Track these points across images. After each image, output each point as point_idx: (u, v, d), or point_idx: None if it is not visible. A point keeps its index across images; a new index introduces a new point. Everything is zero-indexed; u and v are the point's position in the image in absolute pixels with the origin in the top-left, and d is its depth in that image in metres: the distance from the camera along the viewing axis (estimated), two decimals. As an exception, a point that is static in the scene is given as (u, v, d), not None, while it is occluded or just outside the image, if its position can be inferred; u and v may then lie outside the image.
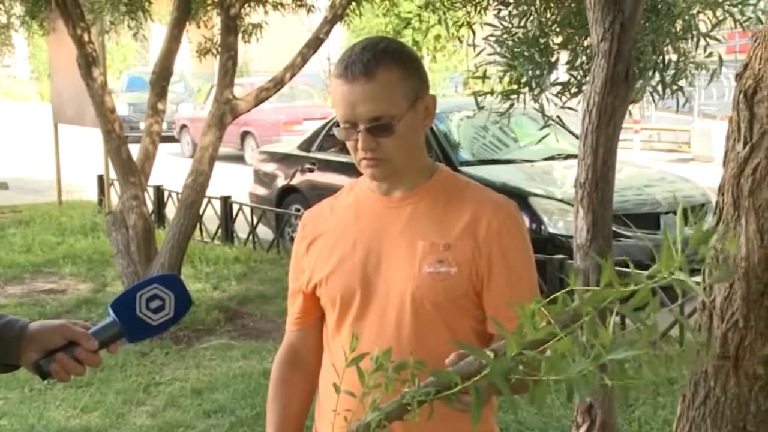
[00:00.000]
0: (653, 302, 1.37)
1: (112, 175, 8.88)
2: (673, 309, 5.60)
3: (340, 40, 23.30)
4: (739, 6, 3.71)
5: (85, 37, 6.75)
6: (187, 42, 7.61)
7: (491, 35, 4.02)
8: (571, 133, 8.05)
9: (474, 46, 4.24)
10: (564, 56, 4.02)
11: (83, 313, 6.92)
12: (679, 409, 1.98)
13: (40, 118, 21.15)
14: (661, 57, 3.71)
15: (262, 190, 9.98)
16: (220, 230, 9.75)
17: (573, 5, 3.89)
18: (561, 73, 4.18)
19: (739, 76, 1.86)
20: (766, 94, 1.78)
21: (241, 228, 9.67)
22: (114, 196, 10.28)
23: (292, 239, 2.27)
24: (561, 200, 7.06)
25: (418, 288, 1.88)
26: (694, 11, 3.68)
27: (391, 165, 1.90)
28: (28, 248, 9.35)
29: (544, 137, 6.50)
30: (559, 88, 3.94)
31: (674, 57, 3.77)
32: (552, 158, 8.20)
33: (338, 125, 1.91)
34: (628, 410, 4.76)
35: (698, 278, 1.83)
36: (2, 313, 1.76)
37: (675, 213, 7.62)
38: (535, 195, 7.18)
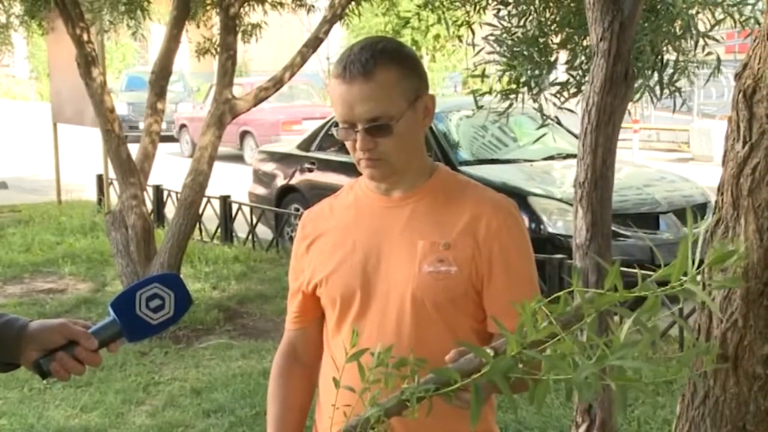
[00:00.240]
0: (655, 305, 1.37)
1: (112, 174, 8.87)
2: (674, 311, 5.61)
3: (340, 39, 23.31)
4: (738, 6, 3.71)
5: (85, 36, 6.75)
6: (186, 42, 7.60)
7: (491, 35, 4.02)
8: (571, 132, 8.06)
9: (473, 45, 4.24)
10: (563, 56, 4.02)
11: (83, 313, 6.92)
12: (679, 409, 1.98)
13: (40, 117, 21.17)
14: (659, 57, 3.71)
15: (261, 190, 9.97)
16: (219, 230, 9.75)
17: (572, 5, 3.88)
18: (560, 73, 4.18)
19: (738, 76, 1.86)
20: (766, 93, 1.79)
21: (241, 228, 9.67)
22: (113, 196, 10.28)
23: (291, 239, 2.28)
24: (560, 200, 7.06)
25: (418, 287, 1.89)
26: (693, 11, 3.68)
27: (390, 165, 1.90)
28: (28, 248, 9.35)
29: (542, 137, 6.50)
30: (557, 87, 3.94)
31: (673, 57, 3.77)
32: (551, 158, 8.20)
33: (337, 125, 1.91)
34: (628, 410, 4.76)
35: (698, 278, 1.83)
36: (2, 313, 1.76)
37: (674, 213, 7.69)
38: (535, 194, 7.18)
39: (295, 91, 18.76)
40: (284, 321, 2.18)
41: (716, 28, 3.74)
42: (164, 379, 5.61)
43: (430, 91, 1.96)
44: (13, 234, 10.05)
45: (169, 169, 12.54)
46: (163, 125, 7.57)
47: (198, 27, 7.94)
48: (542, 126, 4.32)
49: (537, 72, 3.90)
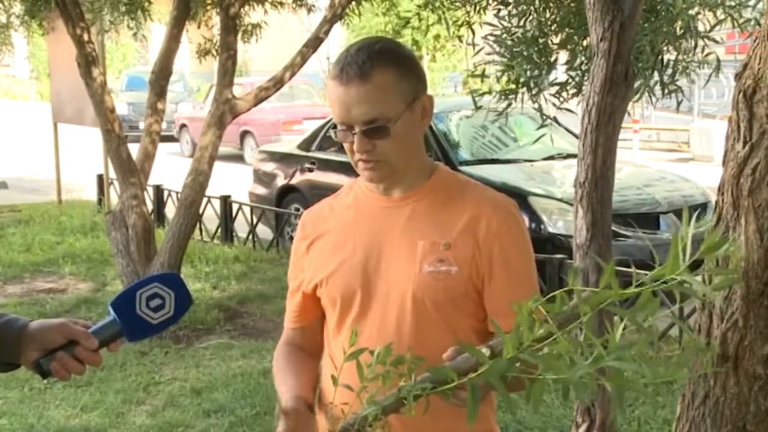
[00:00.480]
0: (653, 304, 1.37)
1: (112, 174, 8.87)
2: (673, 311, 5.61)
3: (340, 39, 23.31)
4: (738, 7, 3.71)
5: (85, 36, 6.75)
6: (186, 41, 7.60)
7: (490, 34, 4.02)
8: (571, 132, 8.06)
9: (473, 45, 4.24)
10: (563, 56, 4.02)
11: (83, 313, 6.92)
12: (679, 409, 1.98)
13: (40, 117, 21.17)
14: (659, 57, 3.71)
15: (261, 190, 9.97)
16: (219, 230, 9.76)
17: (572, 5, 3.89)
18: (560, 73, 4.18)
19: (738, 76, 1.86)
20: (766, 93, 1.79)
21: (241, 227, 9.67)
22: (114, 196, 10.28)
23: (291, 239, 2.28)
24: (560, 200, 7.06)
25: (418, 287, 1.89)
26: (693, 11, 3.68)
27: (388, 166, 1.89)
28: (28, 248, 9.35)
29: (541, 137, 6.49)
30: (557, 88, 3.94)
31: (673, 57, 3.77)
32: (551, 158, 8.20)
33: (335, 127, 1.91)
34: (628, 410, 4.76)
35: (698, 278, 1.83)
36: (2, 312, 1.76)
37: (675, 213, 7.68)
38: (535, 194, 7.18)
39: (296, 91, 18.75)
40: (284, 320, 2.17)
41: (716, 28, 3.74)
42: (164, 379, 5.61)
43: (431, 92, 1.95)
44: (13, 234, 10.05)
45: (170, 169, 12.54)
46: (164, 125, 7.57)
47: (198, 27, 7.94)
48: (542, 126, 4.32)
49: (536, 72, 3.90)
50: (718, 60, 3.87)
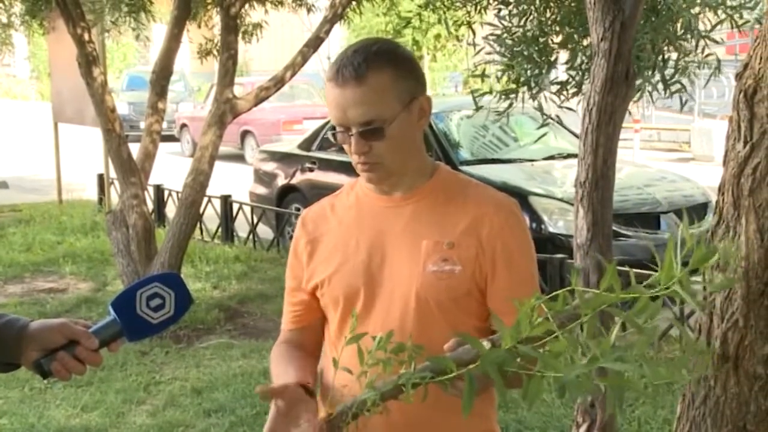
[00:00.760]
0: (653, 307, 1.37)
1: (112, 174, 8.88)
2: (674, 312, 5.61)
3: (341, 39, 23.32)
4: (739, 8, 3.71)
5: (86, 36, 6.75)
6: (187, 41, 7.61)
7: (491, 34, 4.02)
8: (571, 132, 8.06)
9: (474, 45, 4.24)
10: (563, 56, 4.02)
11: (83, 312, 6.92)
12: (679, 409, 1.98)
13: (40, 117, 21.18)
14: (660, 56, 3.71)
15: (262, 190, 9.97)
16: (220, 229, 9.76)
17: (573, 5, 3.89)
18: (560, 73, 4.18)
19: (739, 76, 1.86)
20: (766, 93, 1.78)
21: (241, 227, 9.67)
22: (114, 195, 10.28)
23: (292, 238, 2.28)
24: (561, 199, 7.06)
25: (422, 286, 1.89)
26: (694, 11, 3.68)
27: (386, 167, 1.89)
28: (29, 247, 9.35)
29: (542, 136, 6.49)
30: (557, 87, 3.94)
31: (674, 56, 3.77)
32: (552, 157, 8.20)
33: (334, 128, 1.91)
34: (628, 409, 4.76)
35: (699, 277, 1.83)
36: (2, 313, 1.76)
37: (675, 212, 7.68)
38: (535, 194, 7.18)
39: (296, 91, 18.75)
40: (282, 322, 2.16)
41: (717, 28, 3.74)
42: (165, 379, 5.61)
43: (431, 91, 1.96)
44: (13, 233, 10.05)
45: (170, 169, 12.54)
46: (164, 125, 7.57)
47: (199, 27, 7.95)
48: (542, 125, 4.32)
49: (536, 71, 3.90)
50: (718, 61, 3.87)
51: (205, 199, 8.13)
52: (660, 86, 3.73)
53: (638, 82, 3.55)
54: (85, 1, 6.99)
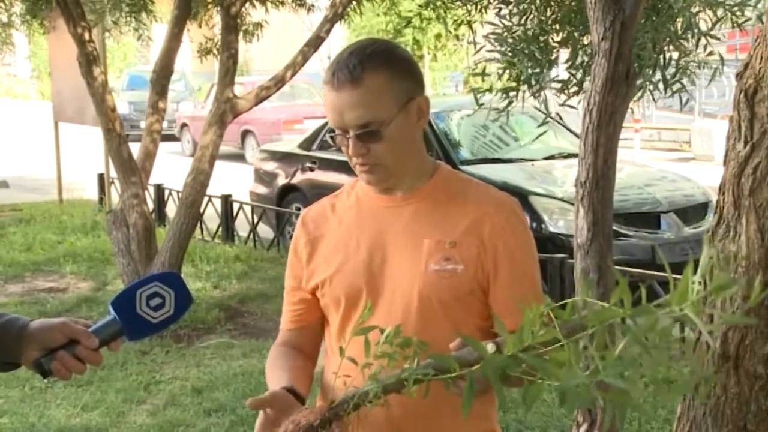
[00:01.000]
0: (664, 328, 1.36)
1: (113, 173, 8.89)
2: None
3: (341, 38, 23.31)
4: (739, 6, 3.70)
5: (86, 35, 6.75)
6: (188, 41, 7.61)
7: (491, 33, 4.02)
8: (572, 132, 8.06)
9: (474, 43, 4.24)
10: (564, 54, 4.02)
11: (84, 312, 6.92)
12: (680, 409, 1.98)
13: (41, 116, 21.18)
14: (661, 55, 3.71)
15: (262, 189, 9.98)
16: (220, 229, 9.76)
17: (573, 4, 3.89)
18: (561, 71, 4.17)
19: (739, 76, 1.85)
20: (767, 93, 1.78)
21: (242, 227, 9.67)
22: (114, 195, 10.29)
23: (292, 238, 2.27)
24: (561, 199, 7.06)
25: (425, 286, 1.88)
26: (695, 10, 3.68)
27: (385, 169, 1.89)
28: (29, 247, 9.36)
29: (542, 134, 6.49)
30: (558, 85, 3.94)
31: (675, 55, 3.77)
32: (552, 157, 8.20)
33: (332, 131, 1.91)
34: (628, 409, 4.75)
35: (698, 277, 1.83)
36: (2, 312, 1.76)
37: (675, 212, 7.67)
38: (536, 194, 7.18)
39: (297, 90, 18.75)
40: (281, 322, 2.15)
41: (717, 27, 3.74)
42: (165, 378, 5.61)
43: (432, 91, 1.95)
44: (14, 233, 10.05)
45: (171, 168, 12.55)
46: (165, 124, 7.57)
47: (200, 26, 7.95)
48: (543, 124, 4.32)
49: (537, 69, 3.89)
50: (722, 58, 3.86)
51: (206, 199, 8.14)
52: (661, 86, 3.72)
53: (639, 81, 3.55)
54: (86, 1, 6.99)
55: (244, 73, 25.45)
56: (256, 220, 9.44)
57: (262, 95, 7.18)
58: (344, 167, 8.89)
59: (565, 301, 1.45)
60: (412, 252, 1.90)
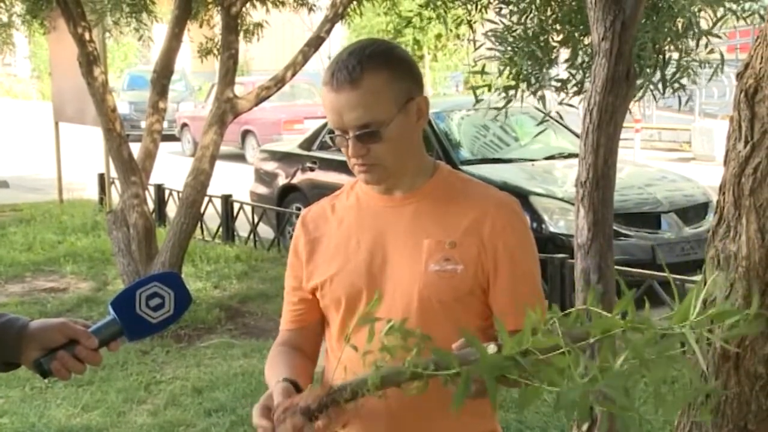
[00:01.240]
0: (665, 344, 1.36)
1: (113, 173, 8.89)
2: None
3: (341, 38, 23.31)
4: (740, 3, 3.70)
5: (86, 35, 6.76)
6: (188, 41, 7.61)
7: (491, 31, 4.02)
8: (572, 132, 8.06)
9: (474, 41, 4.24)
10: (564, 54, 4.02)
11: (84, 312, 6.92)
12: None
13: (41, 116, 21.18)
14: (662, 55, 3.71)
15: (263, 189, 9.98)
16: (221, 229, 9.76)
17: (573, 3, 3.88)
18: (561, 71, 4.17)
19: (740, 76, 1.85)
20: (767, 93, 1.78)
21: (242, 227, 9.67)
22: (115, 195, 10.29)
23: (292, 238, 2.26)
24: (562, 199, 7.06)
25: (425, 286, 1.88)
26: (695, 9, 3.68)
27: (384, 169, 1.89)
28: (29, 247, 9.36)
29: (541, 132, 6.48)
30: (558, 84, 3.94)
31: (675, 55, 3.77)
32: (553, 157, 8.20)
33: (332, 132, 1.91)
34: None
35: (698, 277, 1.83)
36: (2, 312, 1.76)
37: (676, 212, 7.67)
38: (536, 194, 7.18)
39: (297, 90, 18.75)
40: (281, 322, 2.15)
41: (718, 26, 3.74)
42: (166, 378, 5.61)
43: (432, 91, 1.95)
44: (14, 233, 10.05)
45: (171, 169, 12.55)
46: (165, 124, 7.57)
47: (200, 26, 7.95)
48: (542, 122, 4.32)
49: (537, 68, 3.89)
50: (722, 56, 3.86)
51: (206, 199, 8.13)
52: (661, 86, 3.72)
53: (639, 81, 3.55)
54: (86, 1, 6.98)
55: (244, 73, 25.45)
56: (256, 220, 9.44)
57: (262, 95, 7.18)
58: (344, 167, 8.84)
59: (571, 310, 1.45)
60: (412, 252, 1.90)
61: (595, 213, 3.10)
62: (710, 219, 7.21)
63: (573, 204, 3.33)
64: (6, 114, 28.03)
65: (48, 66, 15.95)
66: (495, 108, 4.07)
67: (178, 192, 8.84)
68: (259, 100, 7.21)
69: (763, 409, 1.82)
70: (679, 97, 3.87)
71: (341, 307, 1.96)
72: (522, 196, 6.84)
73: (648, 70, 3.65)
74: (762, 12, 3.72)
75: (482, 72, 4.00)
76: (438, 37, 23.49)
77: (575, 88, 3.86)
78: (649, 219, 7.16)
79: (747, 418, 1.84)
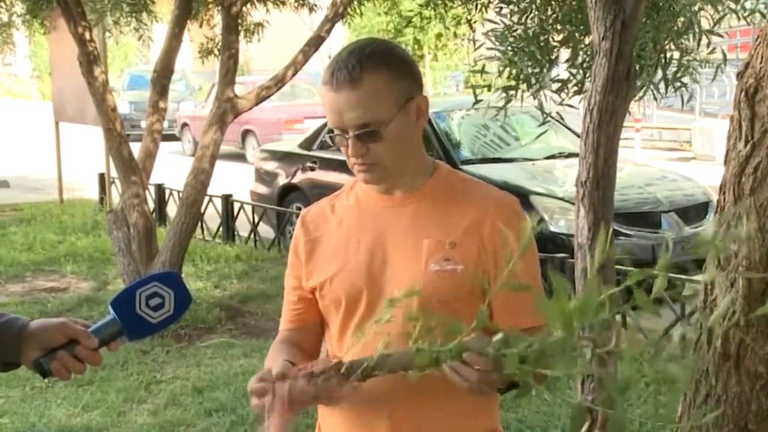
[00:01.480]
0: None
1: (113, 173, 8.89)
2: (674, 311, 5.61)
3: (342, 38, 23.30)
4: (741, 2, 3.70)
5: (87, 35, 6.76)
6: (188, 40, 7.61)
7: (491, 30, 4.02)
8: (573, 131, 8.06)
9: (474, 41, 4.24)
10: (564, 54, 4.02)
11: (84, 312, 6.92)
12: (681, 408, 1.98)
13: (42, 116, 21.17)
14: (662, 54, 3.71)
15: (263, 189, 9.98)
16: (221, 229, 9.76)
17: (573, 3, 3.88)
18: (561, 71, 4.17)
19: (740, 75, 1.85)
20: (768, 92, 1.78)
21: (243, 226, 9.67)
22: (115, 195, 10.29)
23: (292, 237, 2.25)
24: (562, 199, 7.06)
25: (425, 286, 1.88)
26: (696, 8, 3.68)
27: (384, 169, 1.89)
28: (30, 246, 9.36)
29: (542, 134, 6.48)
30: (558, 85, 3.93)
31: (676, 54, 3.77)
32: (553, 157, 8.20)
33: (331, 131, 1.91)
34: (629, 409, 4.75)
35: (699, 276, 1.83)
36: (2, 312, 1.76)
37: (676, 212, 7.67)
38: (537, 193, 7.18)
39: (297, 90, 18.75)
40: (281, 322, 2.14)
41: (718, 25, 3.74)
42: (166, 378, 5.61)
43: (432, 91, 1.95)
44: (14, 233, 10.05)
45: (171, 168, 12.55)
46: (165, 124, 7.57)
47: (200, 26, 7.96)
48: (543, 123, 4.31)
49: (538, 69, 3.89)
50: (724, 54, 3.86)
51: (206, 199, 8.14)
52: (662, 85, 3.72)
53: (640, 81, 3.54)
54: (86, 1, 6.99)
55: (244, 72, 25.45)
56: (256, 219, 9.44)
57: (262, 95, 7.18)
58: (345, 167, 8.83)
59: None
60: (412, 252, 1.90)
61: (595, 212, 3.10)
62: (711, 219, 7.21)
63: (573, 203, 3.33)
64: (6, 114, 28.04)
65: (48, 66, 15.95)
66: (495, 107, 4.07)
67: (179, 192, 8.84)
68: (260, 99, 7.21)
69: (763, 409, 1.82)
70: (681, 96, 3.87)
71: (341, 308, 1.95)
72: (522, 195, 6.84)
73: (649, 69, 3.65)
74: (764, 15, 3.71)
75: (482, 71, 4.00)
76: (438, 36, 23.50)
77: (575, 88, 3.86)
78: (649, 218, 7.16)
79: (747, 418, 1.84)
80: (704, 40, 3.75)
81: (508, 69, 3.94)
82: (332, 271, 1.96)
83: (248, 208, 9.67)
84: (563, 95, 3.92)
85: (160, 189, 10.55)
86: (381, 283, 1.92)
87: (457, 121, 8.61)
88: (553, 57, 3.95)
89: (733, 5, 3.69)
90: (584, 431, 3.13)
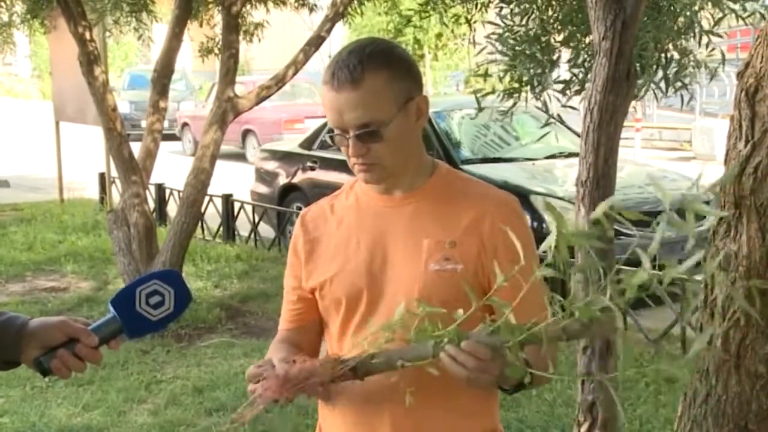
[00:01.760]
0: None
1: (114, 173, 8.90)
2: (674, 310, 5.61)
3: (342, 38, 23.30)
4: (741, 2, 3.70)
5: (87, 35, 6.76)
6: (188, 40, 7.61)
7: (493, 33, 4.02)
8: (573, 131, 8.06)
9: (474, 43, 4.24)
10: (566, 54, 4.02)
11: (84, 311, 6.92)
12: (681, 408, 1.98)
13: (42, 116, 21.17)
14: (663, 54, 3.71)
15: (263, 188, 9.98)
16: (221, 228, 9.76)
17: (574, 3, 3.88)
18: (563, 71, 4.17)
19: (740, 75, 1.85)
20: (768, 92, 1.78)
21: (243, 226, 9.67)
22: (115, 194, 10.30)
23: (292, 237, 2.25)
24: (562, 198, 7.06)
25: (425, 286, 1.88)
26: (696, 8, 3.68)
27: (384, 169, 1.89)
28: (30, 246, 9.36)
29: (545, 135, 6.48)
30: (561, 86, 3.93)
31: (677, 54, 3.77)
32: (553, 156, 8.20)
33: (332, 131, 1.91)
34: (629, 409, 4.76)
35: (700, 276, 1.83)
36: (2, 311, 1.76)
37: (676, 212, 7.63)
38: (537, 193, 7.18)
39: (298, 90, 18.75)
40: (280, 322, 2.14)
41: (719, 25, 3.74)
42: (166, 378, 5.61)
43: (432, 90, 1.95)
44: (15, 232, 10.06)
45: (172, 168, 12.55)
46: (165, 124, 7.57)
47: (201, 26, 7.96)
48: (546, 125, 4.31)
49: (539, 71, 3.89)
50: (723, 55, 3.86)
51: (207, 198, 8.14)
52: (662, 84, 3.72)
53: (641, 81, 3.54)
54: (86, 1, 6.99)
55: (245, 72, 25.45)
56: (257, 219, 9.44)
57: (262, 95, 7.18)
58: (345, 167, 8.83)
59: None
60: (412, 252, 1.90)
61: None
62: (711, 218, 7.18)
63: (573, 203, 3.33)
64: (7, 113, 28.02)
65: (48, 65, 15.95)
66: (500, 111, 4.07)
67: (179, 191, 8.84)
68: (260, 99, 7.21)
69: (763, 409, 1.82)
70: (682, 96, 3.87)
71: (341, 308, 1.95)
72: (522, 195, 6.84)
73: (650, 68, 3.64)
74: (763, 12, 3.71)
75: (485, 75, 4.00)
76: (438, 36, 23.48)
77: (577, 87, 3.85)
78: (649, 218, 7.15)
79: (747, 418, 1.84)
80: (704, 40, 3.75)
81: (510, 73, 3.94)
82: (332, 272, 1.96)
83: (248, 208, 9.67)
84: (566, 95, 3.92)
85: (160, 189, 10.56)
86: (381, 283, 1.92)
87: (457, 121, 8.61)
88: (554, 58, 3.95)
89: (733, 5, 3.69)
90: (584, 431, 3.13)
